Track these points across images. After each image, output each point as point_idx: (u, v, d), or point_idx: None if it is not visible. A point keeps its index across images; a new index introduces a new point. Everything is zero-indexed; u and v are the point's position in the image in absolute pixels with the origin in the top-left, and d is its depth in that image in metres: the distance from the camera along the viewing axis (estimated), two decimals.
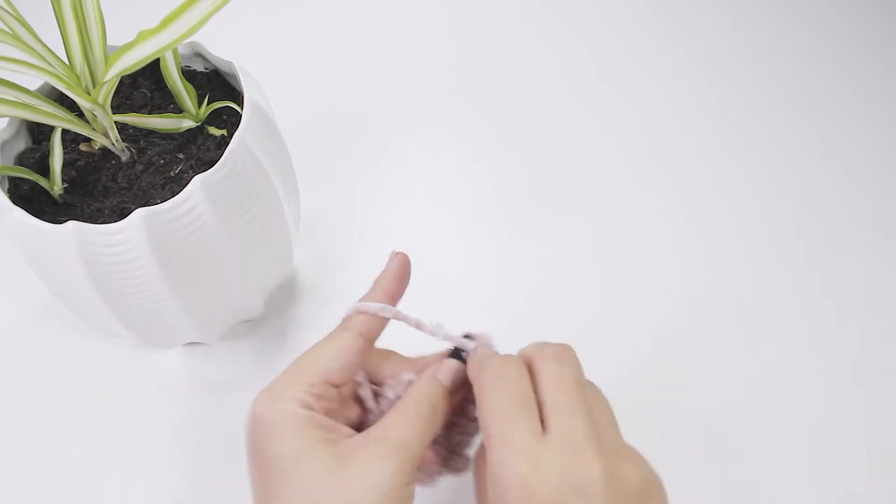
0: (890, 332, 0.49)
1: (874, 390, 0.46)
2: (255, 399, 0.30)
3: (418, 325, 0.34)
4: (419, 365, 0.34)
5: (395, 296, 0.34)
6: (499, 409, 0.29)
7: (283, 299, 0.49)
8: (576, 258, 0.52)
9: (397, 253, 0.35)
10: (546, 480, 0.27)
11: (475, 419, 0.34)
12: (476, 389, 0.31)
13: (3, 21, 0.34)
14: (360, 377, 0.34)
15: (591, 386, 0.31)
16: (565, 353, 0.31)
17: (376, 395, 0.34)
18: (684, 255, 0.52)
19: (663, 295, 0.50)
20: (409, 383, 0.33)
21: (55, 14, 0.34)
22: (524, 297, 0.50)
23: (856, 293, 0.50)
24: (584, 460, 0.27)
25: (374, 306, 0.33)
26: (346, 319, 0.33)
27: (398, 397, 0.33)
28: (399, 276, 0.35)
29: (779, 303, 0.50)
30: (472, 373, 0.32)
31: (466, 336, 0.34)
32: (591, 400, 0.30)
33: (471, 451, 0.35)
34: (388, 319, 0.34)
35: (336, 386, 0.31)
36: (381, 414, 0.33)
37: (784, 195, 0.55)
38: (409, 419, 0.30)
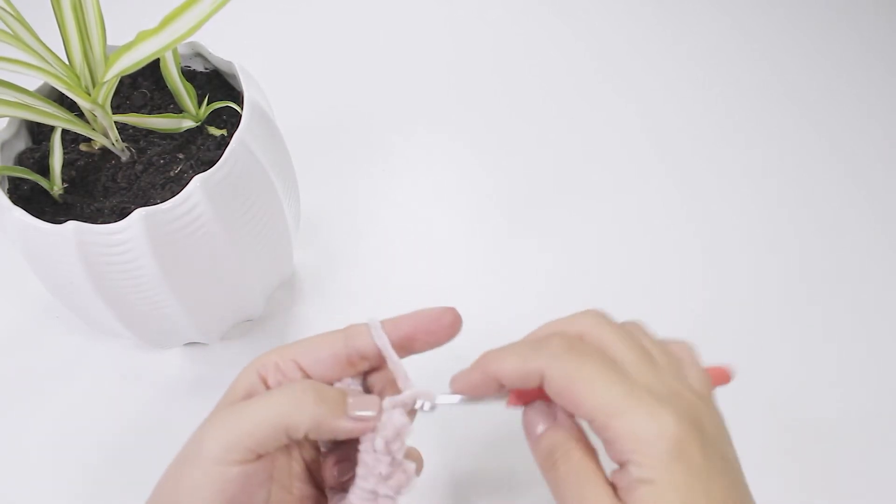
0: (890, 332, 0.49)
1: (874, 392, 0.46)
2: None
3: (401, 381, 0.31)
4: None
5: (410, 335, 0.31)
6: (606, 384, 0.28)
7: (283, 299, 0.49)
8: (577, 258, 0.52)
9: (447, 307, 0.32)
10: (685, 424, 0.27)
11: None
12: (562, 385, 0.28)
13: (3, 21, 0.34)
14: (353, 384, 0.32)
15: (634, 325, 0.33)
16: (601, 318, 0.31)
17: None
18: (685, 254, 0.52)
19: (664, 294, 0.50)
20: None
21: (55, 14, 0.34)
22: (525, 296, 0.50)
23: (856, 292, 0.50)
24: (692, 406, 0.29)
25: (371, 323, 0.31)
26: (352, 326, 0.32)
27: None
28: (419, 320, 0.32)
29: (780, 302, 0.50)
30: (529, 374, 0.30)
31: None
32: (658, 352, 0.31)
33: None
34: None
35: (306, 374, 0.31)
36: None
37: (784, 195, 0.55)
38: (264, 401, 0.29)
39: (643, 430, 0.27)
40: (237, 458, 0.28)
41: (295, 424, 0.28)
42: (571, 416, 0.31)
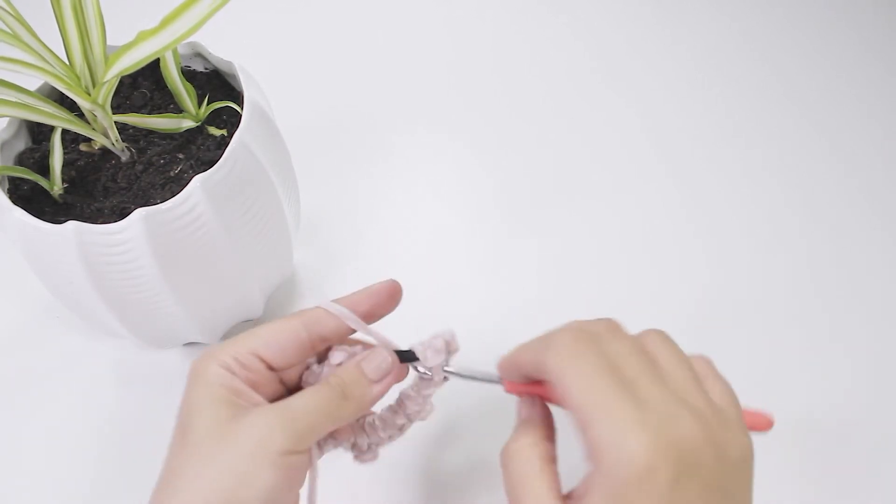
0: (891, 333, 0.49)
1: (875, 391, 0.46)
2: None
3: (371, 336, 0.33)
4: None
5: (363, 312, 0.33)
6: (596, 384, 0.27)
7: (283, 299, 0.49)
8: (576, 257, 0.52)
9: (391, 280, 0.34)
10: (662, 451, 0.25)
11: (399, 425, 0.34)
12: (556, 376, 0.28)
13: (3, 21, 0.34)
14: (313, 364, 0.34)
15: (667, 346, 0.31)
16: (612, 328, 0.30)
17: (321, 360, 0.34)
18: (685, 254, 0.52)
19: (664, 295, 0.50)
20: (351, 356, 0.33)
21: (55, 14, 0.34)
22: (524, 296, 0.50)
23: (857, 293, 0.50)
24: (689, 429, 0.26)
25: (332, 306, 0.33)
26: (308, 313, 0.33)
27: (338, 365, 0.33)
28: (374, 296, 0.34)
29: (780, 303, 0.50)
30: (537, 363, 0.30)
31: (411, 351, 0.33)
32: (675, 364, 0.29)
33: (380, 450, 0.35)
34: (345, 327, 0.33)
35: (269, 365, 0.31)
36: None
37: (784, 195, 0.55)
38: (311, 396, 0.31)
39: (608, 447, 0.26)
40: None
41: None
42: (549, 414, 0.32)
